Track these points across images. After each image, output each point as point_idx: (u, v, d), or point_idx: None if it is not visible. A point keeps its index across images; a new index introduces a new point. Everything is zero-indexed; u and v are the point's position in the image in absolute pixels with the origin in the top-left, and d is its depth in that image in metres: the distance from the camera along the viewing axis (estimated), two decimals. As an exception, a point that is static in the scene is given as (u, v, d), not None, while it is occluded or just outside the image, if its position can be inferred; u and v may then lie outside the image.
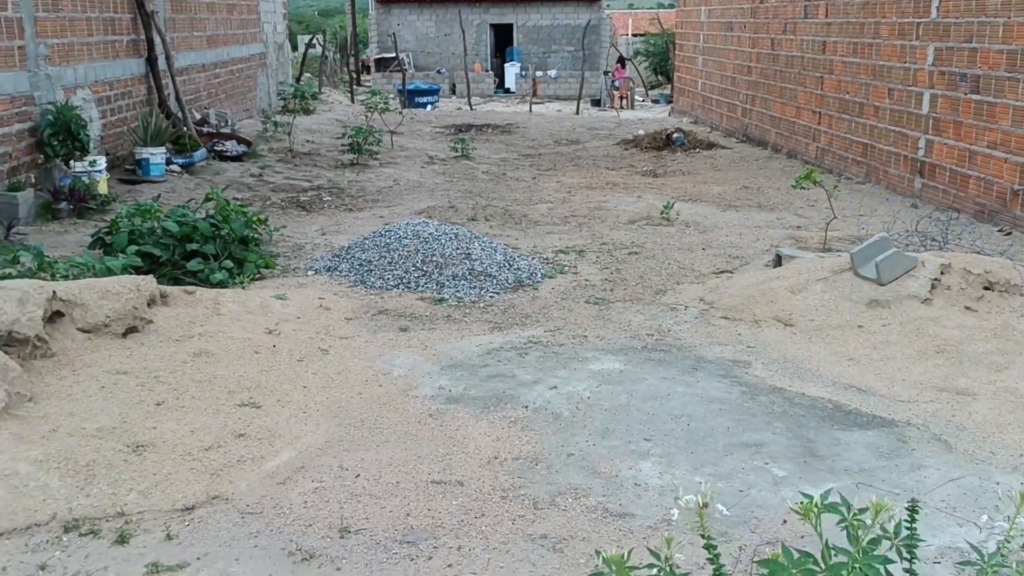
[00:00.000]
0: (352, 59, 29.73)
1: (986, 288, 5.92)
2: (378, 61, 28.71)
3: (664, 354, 5.55)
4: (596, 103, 24.80)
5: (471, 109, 23.24)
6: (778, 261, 7.43)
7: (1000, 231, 8.86)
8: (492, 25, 29.61)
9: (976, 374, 5.08)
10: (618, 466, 4.05)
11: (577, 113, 22.29)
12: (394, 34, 28.04)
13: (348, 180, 12.10)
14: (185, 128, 12.54)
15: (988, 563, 1.59)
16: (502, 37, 29.88)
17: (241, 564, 3.29)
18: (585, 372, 5.22)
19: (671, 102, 22.47)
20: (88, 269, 6.32)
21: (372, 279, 7.04)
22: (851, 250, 6.55)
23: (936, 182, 10.27)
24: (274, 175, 12.25)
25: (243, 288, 6.79)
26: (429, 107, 23.41)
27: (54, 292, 5.19)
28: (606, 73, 26.01)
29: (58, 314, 5.21)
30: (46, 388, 4.64)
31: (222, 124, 14.20)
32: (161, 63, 12.57)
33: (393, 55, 27.49)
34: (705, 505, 1.78)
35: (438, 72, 28.65)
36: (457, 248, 7.36)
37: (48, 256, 6.58)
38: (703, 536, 1.80)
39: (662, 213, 9.70)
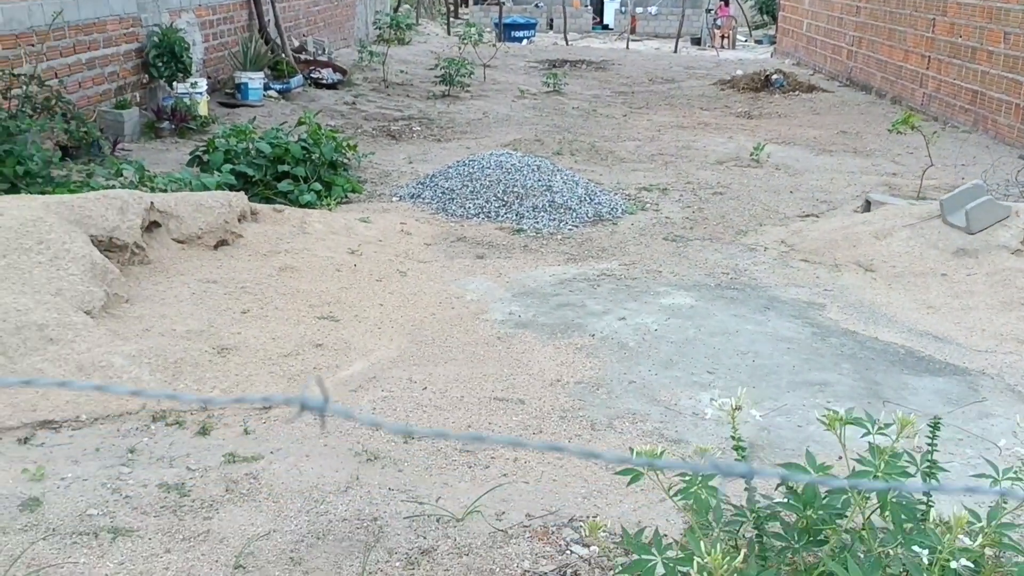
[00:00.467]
0: (451, -9, 29.60)
1: (1084, 242, 5.68)
2: (477, -7, 28.53)
3: (737, 292, 5.54)
4: (696, 42, 24.19)
5: (567, 45, 22.95)
6: (867, 207, 7.25)
7: (1112, 186, 8.41)
8: (593, -41, 29.00)
9: (1062, 328, 4.93)
10: (678, 395, 4.11)
11: (675, 51, 21.80)
12: (494, -34, 27.76)
13: (438, 111, 12.20)
14: (283, 55, 12.81)
15: (1001, 476, 1.61)
16: (603, -28, 29.26)
17: (311, 460, 3.50)
18: (655, 306, 5.26)
19: (774, 43, 21.75)
20: (185, 185, 6.62)
21: (453, 207, 7.17)
22: (943, 197, 6.34)
23: (1047, 133, 9.77)
24: (367, 104, 12.44)
25: (330, 210, 7.01)
26: (525, 41, 23.23)
27: (152, 203, 5.48)
28: (709, 11, 25.28)
29: (155, 224, 5.51)
30: (141, 292, 4.94)
31: (319, 52, 14.44)
32: (262, -11, 12.81)
33: (492, -12, 27.25)
34: (739, 408, 1.83)
35: (536, 6, 28.31)
36: (539, 180, 7.41)
37: (149, 171, 6.91)
38: (733, 437, 1.86)
39: (752, 155, 9.52)
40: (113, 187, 6.21)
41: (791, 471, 1.73)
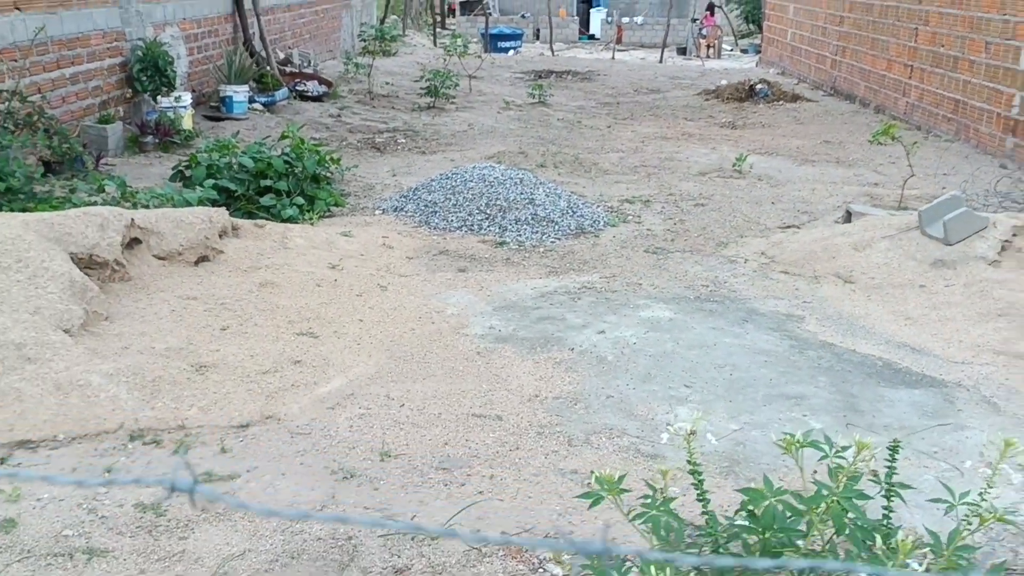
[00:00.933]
0: (438, 1, 29.69)
1: (1059, 252, 5.73)
2: (463, 4, 28.63)
3: (716, 305, 5.57)
4: (682, 51, 24.30)
5: (553, 55, 23.04)
6: (848, 218, 7.30)
7: (1090, 195, 8.48)
8: (580, -31, 29.14)
9: (1037, 339, 4.97)
10: (655, 410, 4.13)
11: (661, 61, 21.90)
12: (480, -23, 27.86)
13: (423, 123, 12.23)
14: (268, 67, 12.83)
15: (957, 501, 1.64)
16: (589, -18, 29.40)
17: (287, 479, 3.51)
18: (635, 319, 5.28)
19: (760, 52, 21.87)
20: (167, 200, 6.62)
21: (436, 220, 7.19)
22: (921, 208, 6.39)
23: (1027, 142, 9.85)
24: (352, 116, 12.46)
25: (311, 224, 7.02)
26: (511, 52, 23.30)
27: (132, 220, 5.48)
28: (694, 20, 25.41)
29: (136, 241, 5.51)
30: (121, 309, 4.94)
31: (305, 64, 14.46)
32: (247, 2, 12.83)
33: (479, -1, 27.35)
34: (693, 433, 1.85)
35: (522, 17, 28.43)
36: (521, 193, 7.43)
37: (131, 187, 6.91)
38: (690, 462, 1.88)
39: (734, 165, 9.57)
40: (95, 203, 6.21)
41: (749, 495, 1.75)
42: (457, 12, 29.73)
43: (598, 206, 7.85)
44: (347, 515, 2.45)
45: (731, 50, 25.88)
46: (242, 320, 4.96)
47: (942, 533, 1.81)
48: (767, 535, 1.70)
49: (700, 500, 1.90)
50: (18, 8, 8.02)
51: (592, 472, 1.82)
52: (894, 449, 1.84)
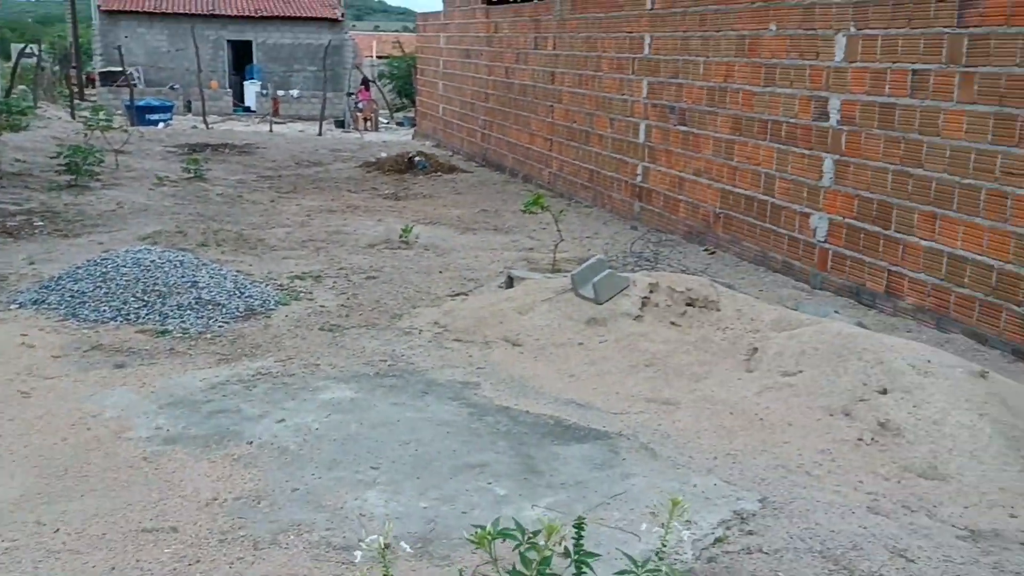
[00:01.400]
0: (74, 71, 27.55)
1: (688, 304, 6.49)
2: (104, 75, 26.84)
3: (396, 379, 5.59)
4: (340, 124, 24.65)
5: (208, 128, 22.26)
6: (510, 283, 7.73)
7: (705, 250, 9.77)
8: (230, 41, 28.62)
9: (679, 384, 5.55)
10: (344, 497, 4.02)
11: (320, 134, 22.02)
12: (120, 47, 26.30)
13: (65, 203, 11.17)
14: None
15: (640, 570, 1.74)
16: (241, 54, 28.95)
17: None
18: (315, 402, 5.14)
19: (414, 125, 22.78)
20: None
21: (85, 312, 6.54)
22: (572, 271, 6.94)
23: (652, 206, 11.15)
24: (-25, 198, 11.06)
25: (-72, 327, 6.06)
26: (161, 125, 22.18)
27: None
28: (350, 94, 25.94)
29: None
30: None
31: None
32: None
33: (120, 69, 25.79)
34: (387, 546, 1.80)
35: (171, 88, 27.25)
36: (182, 276, 7.01)
37: None
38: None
39: (401, 236, 9.80)
40: None
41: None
42: (98, 83, 27.79)
43: (267, 284, 7.62)
44: None
45: (388, 123, 26.72)
46: None
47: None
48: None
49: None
50: None
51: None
52: (579, 527, 1.93)
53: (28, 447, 4.39)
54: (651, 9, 10.97)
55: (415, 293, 7.77)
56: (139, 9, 28.07)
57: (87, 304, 6.62)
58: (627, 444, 4.76)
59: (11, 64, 25.38)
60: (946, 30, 6.86)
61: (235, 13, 28.41)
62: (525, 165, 15.09)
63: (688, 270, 8.00)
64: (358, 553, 1.80)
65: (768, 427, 4.89)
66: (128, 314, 6.55)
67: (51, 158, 13.69)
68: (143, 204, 11.47)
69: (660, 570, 1.70)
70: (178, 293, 6.82)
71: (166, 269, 7.05)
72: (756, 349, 5.74)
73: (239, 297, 7.02)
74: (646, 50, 11.13)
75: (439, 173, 15.42)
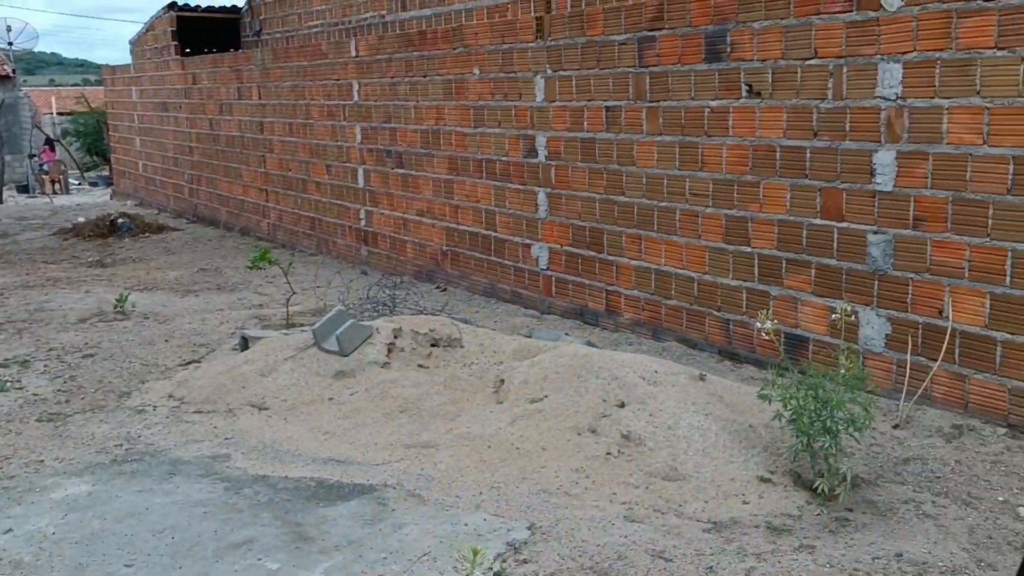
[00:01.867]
0: None
1: (433, 345, 6.62)
2: None
3: (137, 464, 5.19)
4: (24, 189, 22.44)
5: None
6: (245, 344, 7.44)
7: (437, 288, 10.00)
8: None
9: (435, 425, 5.64)
10: (99, 604, 3.67)
11: (2, 202, 19.92)
12: None
13: None
14: None
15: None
16: None
17: None
18: (46, 503, 4.65)
19: (111, 184, 21.26)
20: None
21: None
22: (313, 326, 6.83)
23: (379, 249, 11.24)
24: None
25: None
26: None
27: None
28: (32, 156, 23.70)
29: None
30: None
31: None
32: None
33: None
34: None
35: None
36: None
37: None
38: None
39: (116, 307, 9.11)
40: None
41: None
42: None
43: (-36, 380, 6.77)
44: None
45: (79, 184, 24.71)
46: None
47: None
48: None
49: None
50: None
51: None
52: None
53: None
54: (356, 56, 11.11)
55: (141, 367, 7.26)
56: None
57: None
58: (394, 494, 4.75)
59: None
60: (630, 70, 7.59)
61: None
62: (241, 218, 14.62)
63: (427, 310, 8.15)
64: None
65: (525, 455, 5.09)
66: None
67: None
68: None
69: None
70: None
71: None
72: (503, 380, 5.97)
73: (-69, 397, 6.18)
74: (356, 96, 11.24)
75: (147, 234, 14.53)
